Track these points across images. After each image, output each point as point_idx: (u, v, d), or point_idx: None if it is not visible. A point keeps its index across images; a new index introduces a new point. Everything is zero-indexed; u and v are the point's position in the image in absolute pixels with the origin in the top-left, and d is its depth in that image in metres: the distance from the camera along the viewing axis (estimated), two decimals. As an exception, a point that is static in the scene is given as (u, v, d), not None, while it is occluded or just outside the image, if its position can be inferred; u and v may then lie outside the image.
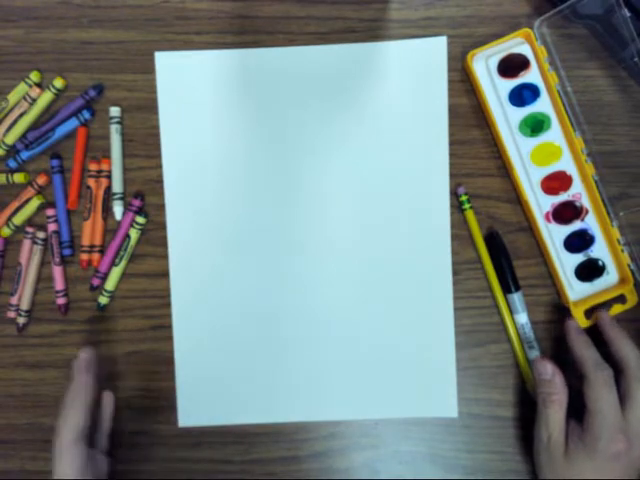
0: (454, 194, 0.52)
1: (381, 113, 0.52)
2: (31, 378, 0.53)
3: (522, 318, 0.50)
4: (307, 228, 0.52)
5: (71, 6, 0.53)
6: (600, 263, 0.51)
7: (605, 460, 0.43)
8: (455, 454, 0.52)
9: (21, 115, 0.52)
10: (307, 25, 0.52)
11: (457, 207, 0.52)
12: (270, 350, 0.52)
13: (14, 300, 0.52)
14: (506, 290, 0.51)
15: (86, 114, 0.52)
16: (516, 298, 0.50)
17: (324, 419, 0.52)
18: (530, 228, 0.52)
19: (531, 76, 0.50)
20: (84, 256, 0.52)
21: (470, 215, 0.51)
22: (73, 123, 0.52)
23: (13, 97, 0.52)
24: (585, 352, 0.47)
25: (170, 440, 0.52)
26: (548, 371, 0.47)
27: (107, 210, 0.53)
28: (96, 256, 0.52)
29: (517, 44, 0.50)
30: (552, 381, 0.47)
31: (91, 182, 0.52)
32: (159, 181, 0.53)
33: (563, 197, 0.51)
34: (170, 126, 0.52)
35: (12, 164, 0.52)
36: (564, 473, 0.44)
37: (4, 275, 0.53)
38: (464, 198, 0.51)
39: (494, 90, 0.51)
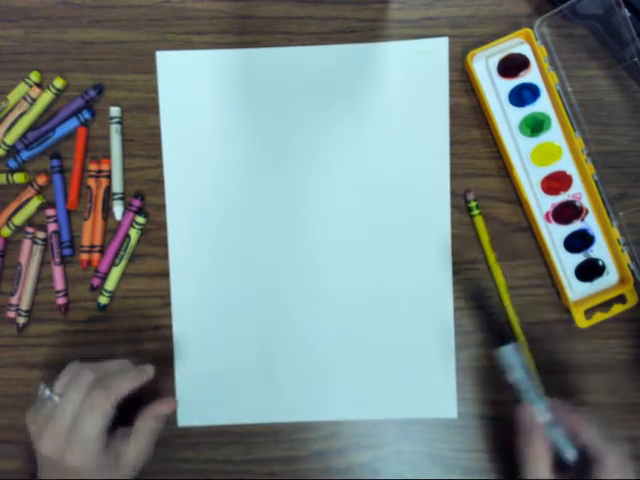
0: (463, 198, 0.52)
1: (382, 113, 0.52)
2: (31, 378, 0.53)
3: (519, 373, 0.47)
4: (308, 229, 0.52)
5: (71, 6, 0.53)
6: (600, 263, 0.51)
7: None
8: (455, 454, 0.52)
9: (21, 115, 0.52)
10: (307, 25, 0.52)
11: (458, 207, 0.52)
12: (270, 350, 0.52)
13: (14, 300, 0.52)
14: (501, 342, 0.47)
15: (86, 114, 0.52)
16: (511, 350, 0.47)
17: (324, 419, 0.52)
18: (530, 228, 0.52)
19: (531, 76, 0.50)
20: (84, 256, 0.52)
21: (479, 221, 0.51)
22: (73, 123, 0.52)
23: (13, 97, 0.52)
24: (589, 432, 0.42)
25: (170, 440, 0.52)
26: (526, 419, 0.44)
27: (107, 210, 0.53)
28: (96, 256, 0.52)
29: (517, 44, 0.50)
30: (530, 432, 0.44)
31: (91, 182, 0.52)
32: (159, 181, 0.53)
33: (563, 197, 0.51)
34: (171, 125, 0.52)
35: (12, 164, 0.52)
36: None
37: (4, 275, 0.53)
38: (473, 204, 0.51)
39: (494, 90, 0.51)
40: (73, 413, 0.43)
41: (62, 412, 0.43)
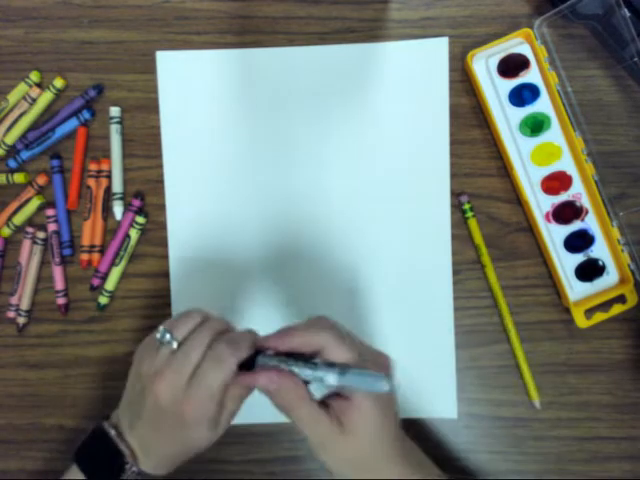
0: (457, 201, 0.52)
1: (382, 113, 0.52)
2: (31, 378, 0.53)
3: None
4: (309, 229, 0.52)
5: (71, 6, 0.53)
6: (600, 263, 0.51)
7: None
8: (455, 454, 0.52)
9: (21, 115, 0.52)
10: (307, 25, 0.52)
11: (458, 207, 0.52)
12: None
13: (14, 300, 0.52)
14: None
15: (86, 114, 0.52)
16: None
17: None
18: (530, 228, 0.52)
19: (531, 76, 0.50)
20: (84, 256, 0.52)
21: (473, 224, 0.51)
22: (73, 123, 0.52)
23: (13, 97, 0.52)
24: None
25: (170, 440, 0.52)
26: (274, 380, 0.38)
27: (107, 210, 0.53)
28: (96, 256, 0.52)
29: (517, 44, 0.50)
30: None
31: (91, 182, 0.52)
32: (159, 181, 0.53)
33: (563, 197, 0.51)
34: (171, 125, 0.52)
35: (12, 164, 0.52)
36: None
37: (4, 275, 0.53)
38: (467, 207, 0.51)
39: (494, 90, 0.51)
40: (195, 364, 0.39)
41: (183, 360, 0.39)
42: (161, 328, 0.41)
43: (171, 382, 0.39)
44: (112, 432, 0.41)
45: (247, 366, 0.39)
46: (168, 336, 0.40)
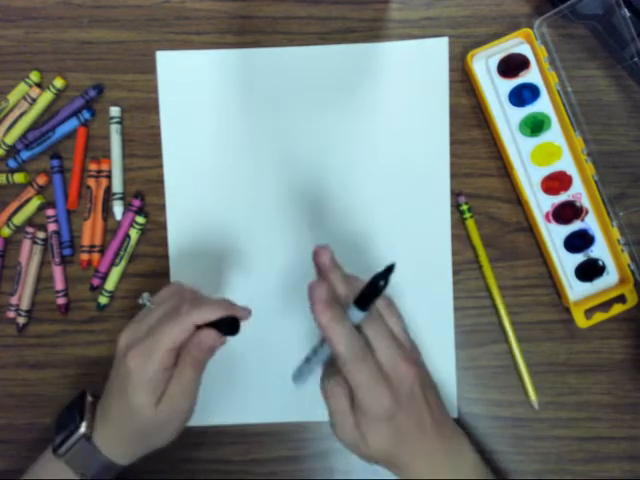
0: (456, 201, 0.52)
1: (382, 113, 0.52)
2: (31, 378, 0.53)
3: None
4: (309, 228, 0.52)
5: (71, 6, 0.53)
6: (600, 263, 0.51)
7: None
8: (455, 454, 0.52)
9: (21, 115, 0.52)
10: (307, 25, 0.52)
11: (457, 207, 0.52)
12: (270, 350, 0.52)
13: (14, 300, 0.52)
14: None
15: (86, 114, 0.52)
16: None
17: (324, 419, 0.52)
18: (530, 228, 0.52)
19: (531, 76, 0.50)
20: (84, 256, 0.52)
21: (471, 224, 0.51)
22: (73, 123, 0.52)
23: (13, 97, 0.52)
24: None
25: (170, 440, 0.52)
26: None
27: (107, 210, 0.53)
28: (96, 256, 0.52)
29: (517, 44, 0.50)
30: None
31: (91, 182, 0.52)
32: (159, 181, 0.53)
33: (563, 197, 0.51)
34: (171, 125, 0.52)
35: (12, 164, 0.52)
36: None
37: (4, 275, 0.53)
38: (465, 207, 0.51)
39: (494, 90, 0.51)
40: (156, 317, 0.43)
41: (150, 315, 0.43)
42: (144, 294, 0.45)
43: (132, 331, 0.43)
44: (89, 398, 0.46)
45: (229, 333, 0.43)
46: (147, 301, 0.45)
